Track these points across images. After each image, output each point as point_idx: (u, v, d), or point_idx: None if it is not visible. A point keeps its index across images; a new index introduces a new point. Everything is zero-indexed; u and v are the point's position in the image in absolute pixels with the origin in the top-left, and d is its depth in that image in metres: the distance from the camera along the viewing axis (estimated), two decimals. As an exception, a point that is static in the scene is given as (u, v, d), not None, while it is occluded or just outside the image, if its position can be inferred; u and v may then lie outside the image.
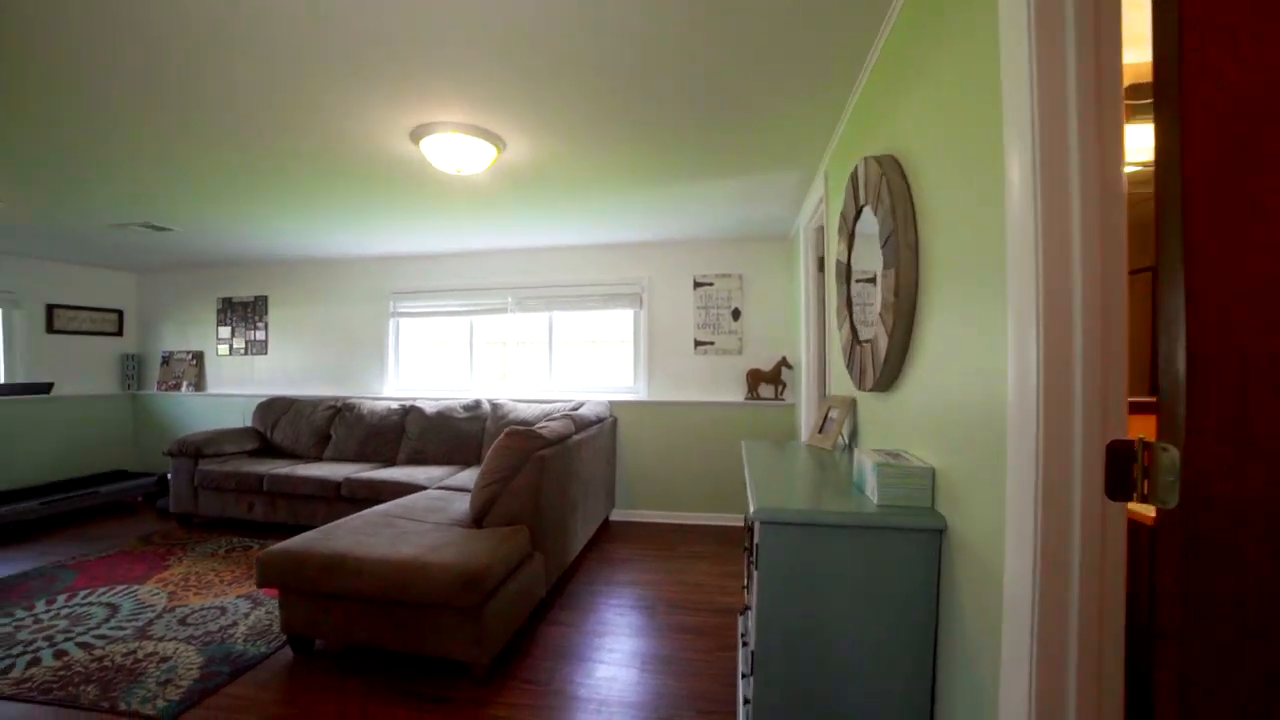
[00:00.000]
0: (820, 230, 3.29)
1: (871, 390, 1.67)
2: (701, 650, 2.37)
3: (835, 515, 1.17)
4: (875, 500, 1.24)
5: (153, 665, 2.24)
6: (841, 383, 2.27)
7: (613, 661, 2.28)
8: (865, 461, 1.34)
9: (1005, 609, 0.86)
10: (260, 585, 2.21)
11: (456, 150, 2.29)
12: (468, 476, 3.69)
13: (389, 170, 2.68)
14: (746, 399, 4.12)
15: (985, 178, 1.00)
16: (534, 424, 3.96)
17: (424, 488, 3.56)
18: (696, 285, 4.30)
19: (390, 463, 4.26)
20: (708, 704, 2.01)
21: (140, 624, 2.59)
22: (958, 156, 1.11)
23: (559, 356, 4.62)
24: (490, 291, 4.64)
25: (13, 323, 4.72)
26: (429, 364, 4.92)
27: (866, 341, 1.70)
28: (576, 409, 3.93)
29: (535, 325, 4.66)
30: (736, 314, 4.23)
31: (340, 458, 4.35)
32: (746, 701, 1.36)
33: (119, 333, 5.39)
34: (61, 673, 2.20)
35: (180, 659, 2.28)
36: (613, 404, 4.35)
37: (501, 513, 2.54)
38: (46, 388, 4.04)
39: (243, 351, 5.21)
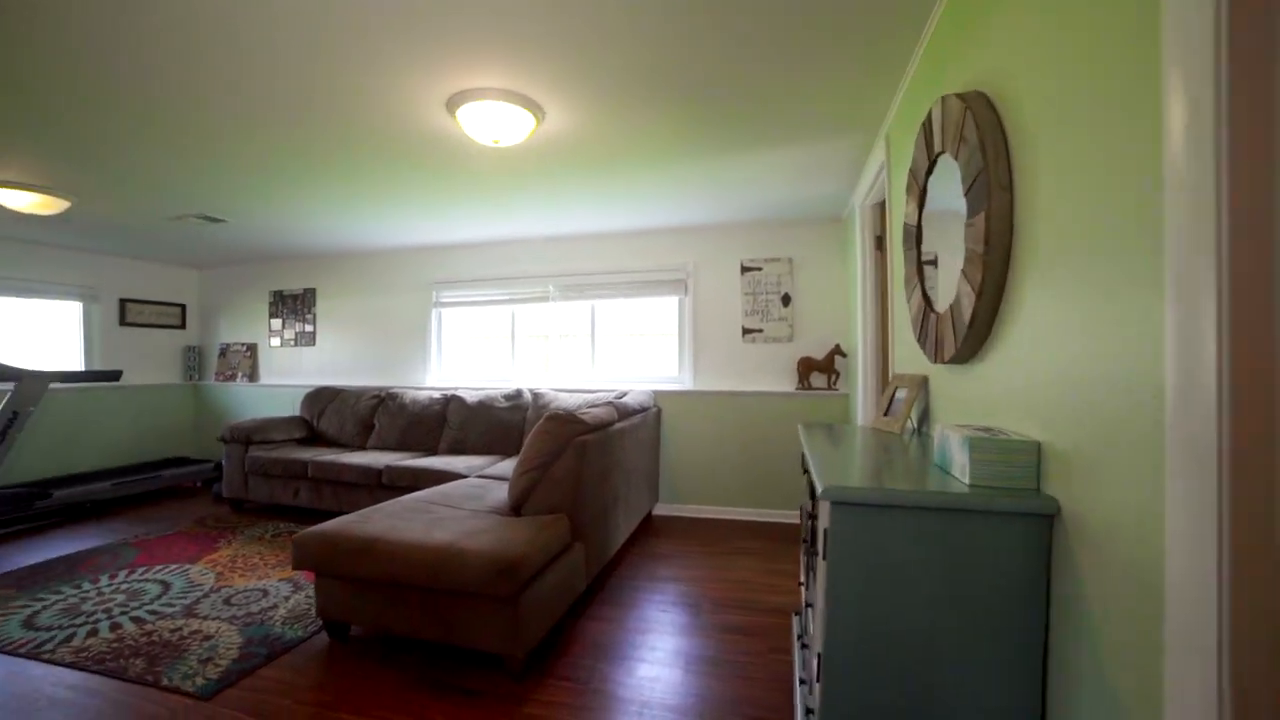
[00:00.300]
0: (878, 208, 3.05)
1: (949, 362, 1.46)
2: (750, 652, 2.20)
3: (921, 496, 0.99)
4: (966, 480, 1.05)
5: (196, 643, 2.24)
6: (909, 362, 2.05)
7: (655, 660, 2.14)
8: (951, 437, 1.15)
9: (1169, 622, 0.66)
10: (295, 567, 2.17)
11: (494, 119, 2.19)
12: (508, 466, 3.62)
13: (426, 146, 2.61)
14: (797, 389, 3.90)
15: (1115, 111, 0.80)
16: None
17: (464, 476, 3.51)
18: (744, 270, 4.10)
19: (432, 452, 4.25)
20: (759, 710, 1.84)
21: (188, 602, 2.62)
22: (1074, 84, 0.91)
23: (601, 345, 4.51)
24: (531, 280, 4.57)
25: (92, 316, 4.96)
26: (471, 355, 4.90)
27: (942, 309, 1.49)
28: (620, 398, 3.81)
29: (577, 314, 4.57)
30: (786, 300, 4.01)
31: (383, 446, 4.36)
32: (810, 712, 1.19)
33: (182, 326, 5.61)
34: (115, 645, 2.25)
35: (222, 638, 2.27)
36: (657, 394, 4.21)
37: (541, 501, 2.44)
38: (116, 375, 4.21)
39: (293, 343, 5.33)
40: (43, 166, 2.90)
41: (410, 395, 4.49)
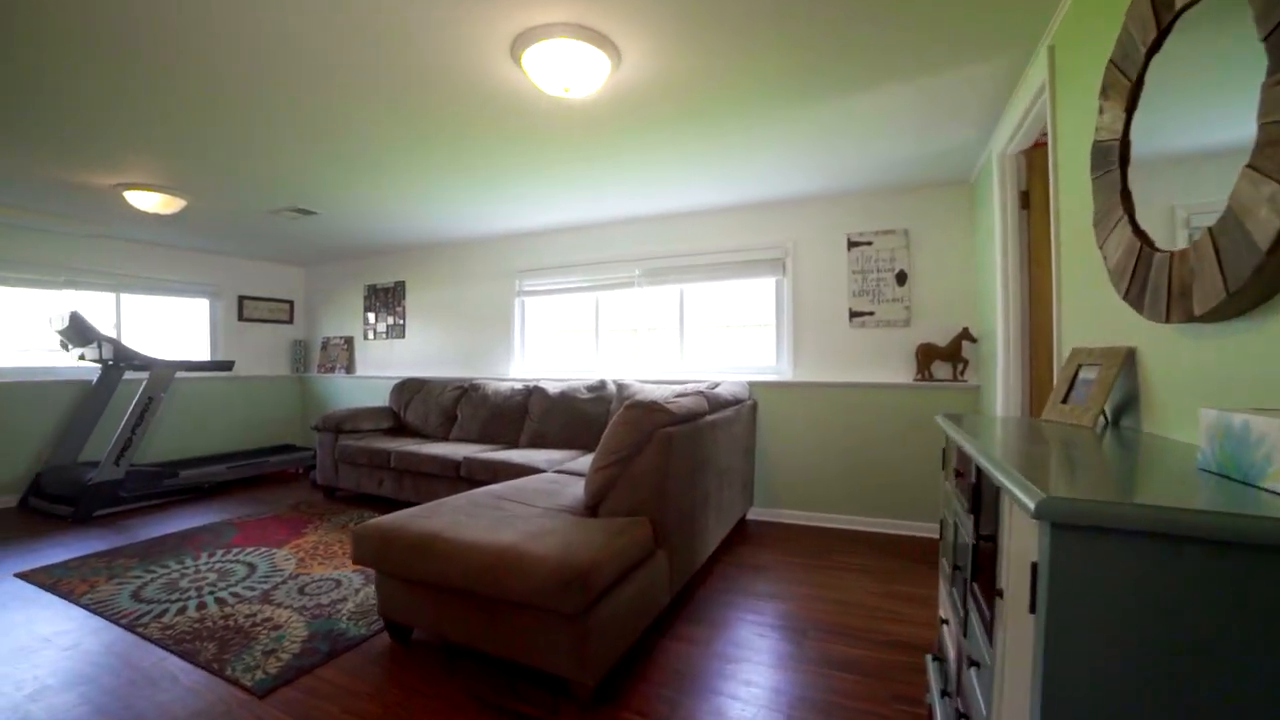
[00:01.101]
0: (1023, 156, 2.47)
1: (1203, 319, 0.98)
2: (868, 698, 1.77)
3: (1249, 521, 0.56)
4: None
5: (264, 632, 2.16)
6: (1094, 331, 1.54)
7: (750, 699, 1.76)
8: (1262, 427, 0.70)
9: None
10: (355, 562, 2.02)
11: (563, 62, 1.92)
12: (589, 460, 3.38)
13: (492, 105, 2.40)
14: (916, 379, 3.34)
15: None
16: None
17: (542, 470, 3.30)
18: (851, 246, 3.60)
19: (512, 444, 4.11)
20: (890, 784, 1.42)
21: (268, 587, 2.60)
22: None
23: (690, 333, 4.17)
24: (615, 265, 4.32)
25: (216, 312, 5.35)
26: (554, 346, 4.74)
27: (1183, 243, 1.01)
28: (712, 388, 3.45)
29: (664, 300, 4.26)
30: (902, 278, 3.46)
31: (465, 438, 4.29)
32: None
33: (290, 320, 5.94)
34: (195, 625, 2.25)
35: (289, 629, 2.18)
36: (752, 385, 3.80)
37: (619, 500, 2.14)
38: (229, 365, 4.46)
39: (384, 335, 5.45)
40: (161, 166, 3.05)
41: (493, 386, 4.39)
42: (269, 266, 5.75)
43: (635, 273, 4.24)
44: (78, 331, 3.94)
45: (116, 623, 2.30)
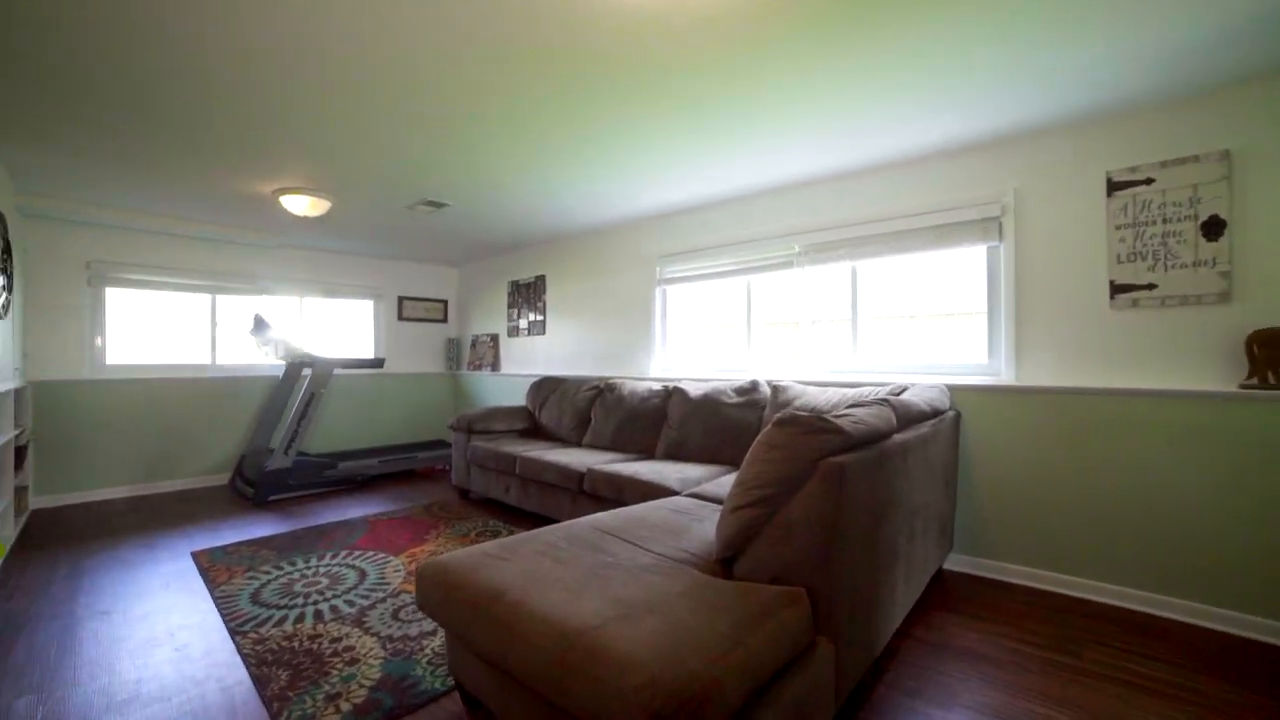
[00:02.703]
0: None
1: None
2: None
3: None
4: None
5: (340, 667, 1.88)
6: None
7: None
8: None
9: None
10: (419, 607, 1.60)
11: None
12: (732, 481, 2.73)
13: (594, 27, 1.86)
14: (1245, 385, 2.14)
15: None
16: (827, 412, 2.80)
17: (674, 492, 2.71)
18: (1114, 189, 2.47)
19: (646, 454, 3.59)
20: None
21: (366, 604, 2.38)
22: None
23: (867, 322, 3.29)
24: (770, 241, 3.58)
25: (379, 312, 5.66)
26: (698, 340, 4.14)
27: None
28: (897, 394, 2.59)
29: (831, 281, 3.43)
30: (1215, 228, 2.26)
31: (596, 444, 3.87)
32: None
33: (444, 319, 6.11)
34: (284, 643, 2.08)
35: (363, 666, 1.88)
36: (953, 390, 2.84)
37: (765, 558, 1.47)
38: (380, 363, 4.60)
39: (526, 332, 5.30)
40: (304, 168, 3.08)
41: (629, 387, 3.92)
42: (426, 268, 5.96)
43: (794, 249, 3.47)
44: (259, 331, 4.26)
45: (226, 625, 2.22)
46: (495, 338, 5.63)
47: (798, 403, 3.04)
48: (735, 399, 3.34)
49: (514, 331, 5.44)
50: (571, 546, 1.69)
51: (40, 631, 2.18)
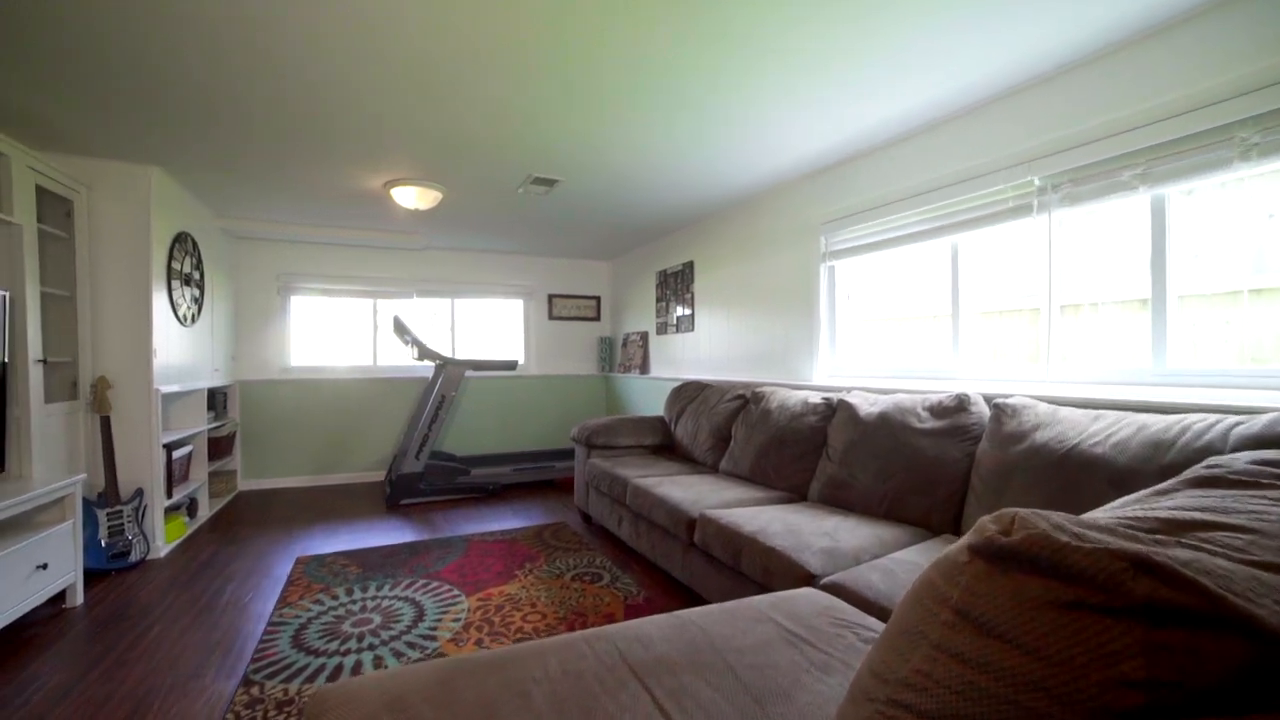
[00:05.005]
0: None
1: None
2: None
3: None
4: None
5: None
6: None
7: None
8: None
9: None
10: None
11: None
12: (918, 559, 1.65)
13: None
14: None
15: None
16: (1132, 517, 1.57)
17: (811, 576, 1.69)
18: None
19: (795, 492, 2.58)
20: None
21: (410, 659, 1.86)
22: None
23: (1182, 300, 1.87)
24: (989, 178, 2.30)
25: (528, 312, 5.48)
26: (882, 337, 2.98)
27: None
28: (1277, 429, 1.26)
29: (1106, 230, 2.06)
30: None
31: (734, 471, 2.96)
32: None
33: (597, 317, 5.70)
34: (289, 710, 1.63)
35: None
36: None
37: None
38: (512, 365, 4.32)
39: (674, 329, 4.57)
40: (405, 149, 2.82)
41: (779, 398, 2.94)
42: (576, 263, 5.62)
43: (1032, 183, 2.14)
44: (400, 333, 4.25)
45: (244, 672, 1.89)
46: (644, 336, 5.02)
47: (1042, 436, 1.78)
48: (929, 422, 2.16)
49: (662, 328, 4.76)
50: (559, 703, 0.89)
51: (100, 631, 2.10)
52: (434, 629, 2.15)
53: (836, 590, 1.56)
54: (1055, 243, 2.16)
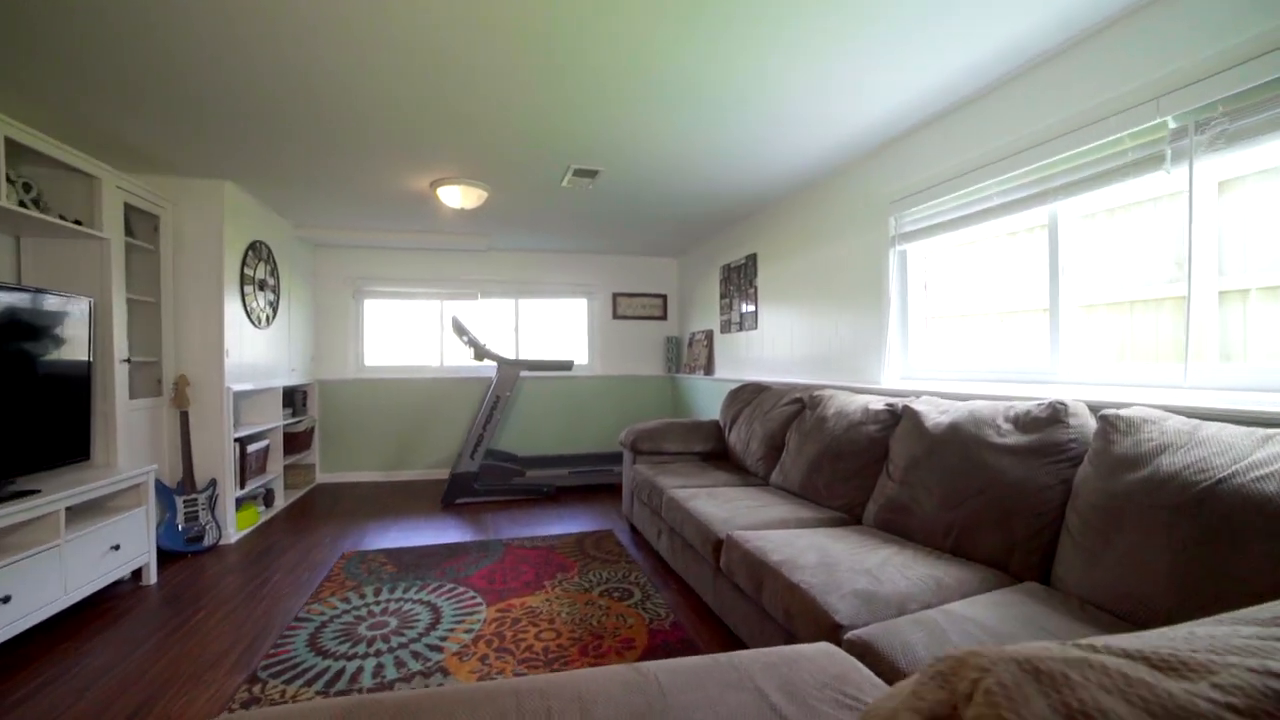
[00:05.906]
0: None
1: None
2: None
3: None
4: None
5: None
6: None
7: None
8: None
9: None
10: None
11: None
12: (983, 615, 1.29)
13: None
14: None
15: None
16: None
17: (836, 628, 1.37)
18: None
19: (851, 514, 2.22)
20: None
21: (397, 676, 1.81)
22: None
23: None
24: (1102, 126, 1.82)
25: (592, 311, 5.38)
26: (963, 332, 2.52)
27: None
28: None
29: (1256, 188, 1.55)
30: None
31: (785, 485, 2.63)
32: None
33: (663, 316, 5.49)
34: None
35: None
36: None
37: None
38: (568, 365, 4.23)
39: (738, 327, 4.26)
40: (449, 146, 2.79)
41: (838, 402, 2.58)
42: (641, 260, 5.44)
43: (1165, 125, 1.65)
44: (459, 333, 4.29)
45: (262, 680, 1.88)
46: (709, 335, 4.74)
47: (1172, 462, 1.34)
48: (1012, 436, 1.74)
49: (726, 326, 4.46)
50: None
51: (123, 626, 2.21)
52: (444, 639, 2.06)
53: (863, 650, 1.24)
54: (1198, 203, 1.66)
